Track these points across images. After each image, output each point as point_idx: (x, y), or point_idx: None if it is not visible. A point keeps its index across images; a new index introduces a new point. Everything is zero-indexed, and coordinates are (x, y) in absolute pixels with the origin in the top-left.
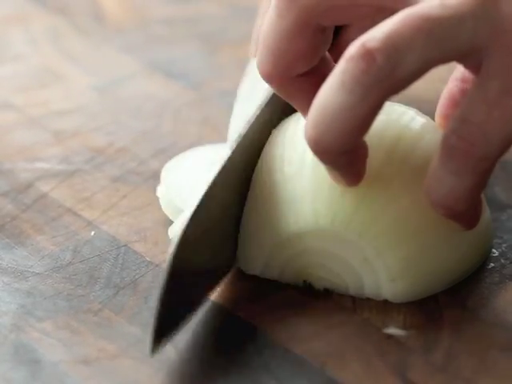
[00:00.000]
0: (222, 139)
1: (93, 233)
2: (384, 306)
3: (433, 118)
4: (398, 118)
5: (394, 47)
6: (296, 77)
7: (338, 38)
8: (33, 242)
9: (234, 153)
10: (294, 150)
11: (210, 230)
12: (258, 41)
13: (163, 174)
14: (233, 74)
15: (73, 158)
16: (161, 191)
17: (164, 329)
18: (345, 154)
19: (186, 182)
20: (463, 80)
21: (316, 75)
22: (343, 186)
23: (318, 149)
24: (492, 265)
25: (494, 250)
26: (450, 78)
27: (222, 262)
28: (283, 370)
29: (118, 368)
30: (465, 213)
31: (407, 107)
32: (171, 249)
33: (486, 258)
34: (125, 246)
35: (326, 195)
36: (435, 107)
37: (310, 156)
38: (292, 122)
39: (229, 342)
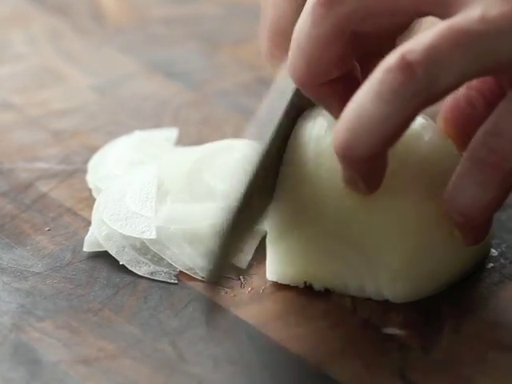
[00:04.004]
0: (222, 139)
1: None
2: (384, 306)
3: (432, 118)
4: None
5: (433, 61)
6: (327, 81)
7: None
8: (33, 241)
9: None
10: (294, 152)
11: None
12: (268, 38)
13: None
14: (233, 74)
15: (72, 157)
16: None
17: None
18: (369, 161)
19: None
20: (468, 86)
21: (346, 79)
22: (361, 193)
23: (346, 154)
24: (492, 265)
25: (493, 250)
26: None
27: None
28: (283, 369)
29: (117, 368)
30: (479, 226)
31: None
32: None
33: (485, 257)
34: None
35: (328, 196)
36: (435, 108)
37: (310, 157)
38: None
39: (228, 341)
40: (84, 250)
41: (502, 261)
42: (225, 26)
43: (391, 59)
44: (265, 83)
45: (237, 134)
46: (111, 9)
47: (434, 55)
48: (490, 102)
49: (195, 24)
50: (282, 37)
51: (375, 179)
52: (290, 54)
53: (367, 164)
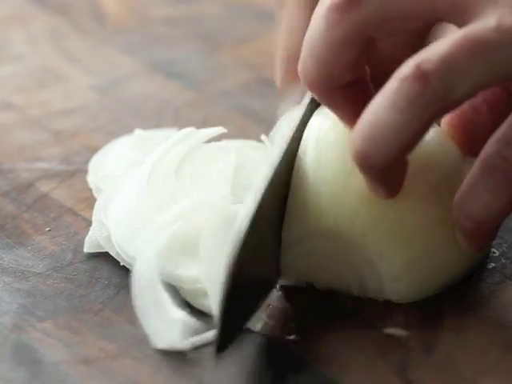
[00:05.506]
0: (223, 139)
1: None
2: (384, 306)
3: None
4: None
5: (449, 71)
6: (338, 85)
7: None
8: (33, 242)
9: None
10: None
11: (261, 242)
12: (283, 64)
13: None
14: (233, 74)
15: (73, 158)
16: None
17: (226, 335)
18: (386, 169)
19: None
20: None
21: (357, 84)
22: (381, 197)
23: (363, 164)
24: (493, 265)
25: (494, 250)
26: None
27: (271, 273)
28: (283, 370)
29: (118, 368)
30: (487, 232)
31: None
32: (228, 264)
33: (486, 257)
34: None
35: (329, 196)
36: None
37: (310, 158)
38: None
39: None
40: (85, 250)
41: (503, 261)
42: (225, 26)
43: (406, 68)
44: (265, 83)
45: (237, 134)
46: (111, 9)
47: (450, 64)
48: (494, 108)
49: (195, 24)
50: (295, 65)
51: (394, 185)
52: (302, 57)
53: (384, 171)
